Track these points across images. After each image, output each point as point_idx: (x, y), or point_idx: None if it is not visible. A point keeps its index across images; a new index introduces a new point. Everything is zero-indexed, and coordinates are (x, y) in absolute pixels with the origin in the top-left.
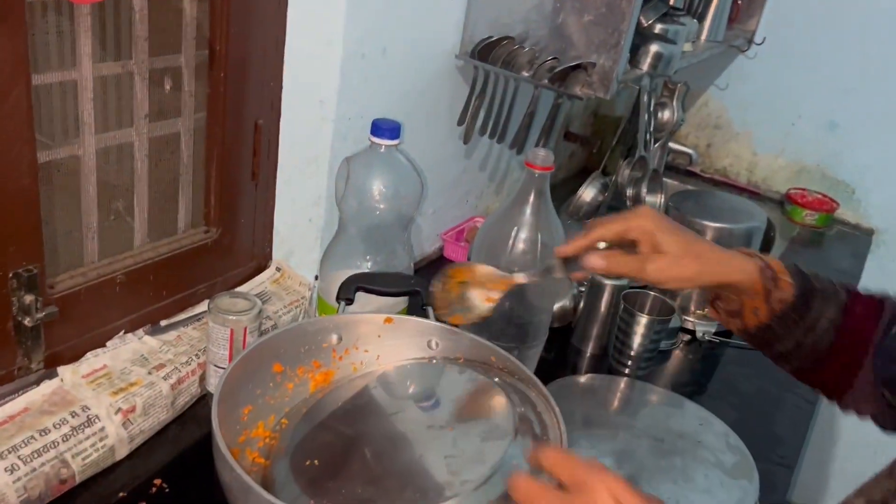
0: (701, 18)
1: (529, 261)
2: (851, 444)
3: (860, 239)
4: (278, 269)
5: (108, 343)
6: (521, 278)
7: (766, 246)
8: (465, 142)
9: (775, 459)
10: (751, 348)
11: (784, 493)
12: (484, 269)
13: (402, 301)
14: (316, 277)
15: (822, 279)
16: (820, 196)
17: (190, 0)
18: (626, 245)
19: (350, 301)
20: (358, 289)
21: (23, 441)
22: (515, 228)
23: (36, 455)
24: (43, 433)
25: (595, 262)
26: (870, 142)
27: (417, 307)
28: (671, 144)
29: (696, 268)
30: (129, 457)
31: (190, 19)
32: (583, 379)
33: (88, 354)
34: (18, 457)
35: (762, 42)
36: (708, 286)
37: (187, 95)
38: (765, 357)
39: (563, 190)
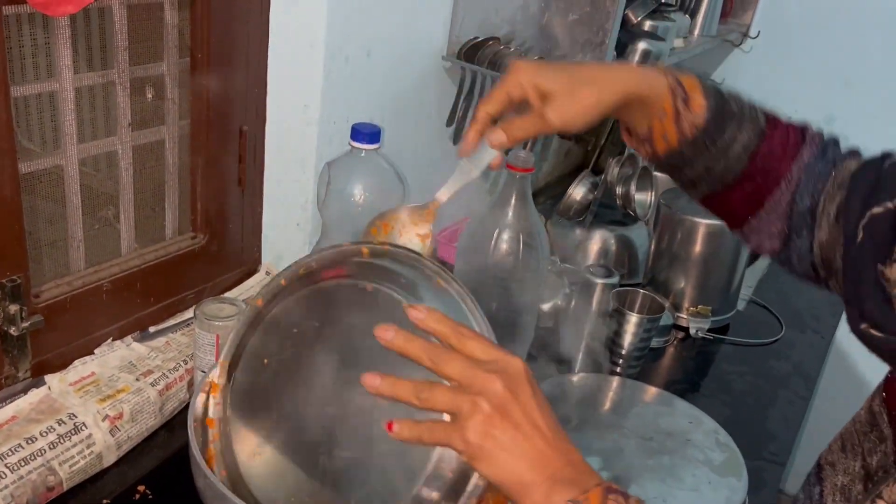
0: (693, 13)
1: (512, 261)
2: None
3: None
4: (267, 273)
5: (96, 350)
6: (442, 195)
7: None
8: (455, 142)
9: (766, 456)
10: (745, 344)
11: (774, 490)
12: (403, 212)
13: None
14: None
15: (742, 101)
16: None
17: (171, 8)
18: (519, 109)
19: None
20: None
21: (10, 449)
22: (497, 230)
23: (23, 463)
24: (30, 441)
25: (495, 138)
26: (867, 134)
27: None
28: None
29: (594, 93)
30: (117, 463)
31: (171, 28)
32: (574, 378)
33: (76, 362)
34: (6, 465)
35: (757, 36)
36: (615, 107)
37: (170, 103)
38: (757, 354)
39: (557, 188)
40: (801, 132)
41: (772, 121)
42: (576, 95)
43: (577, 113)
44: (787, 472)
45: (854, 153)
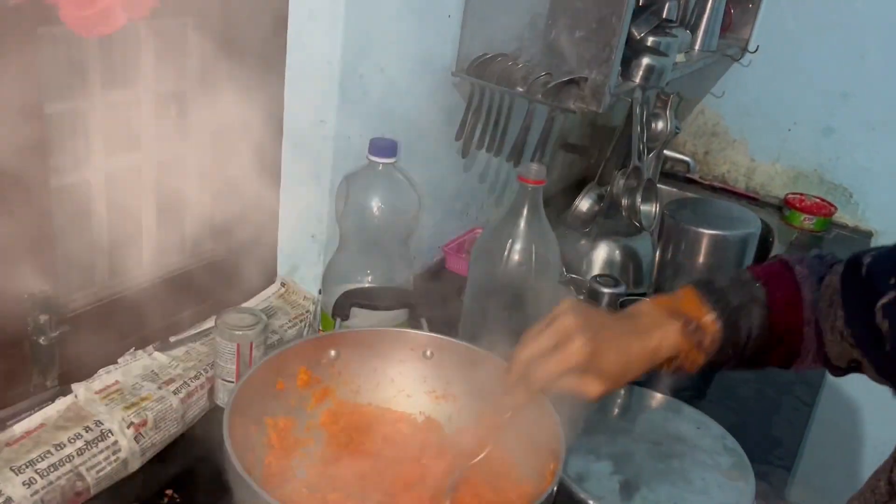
0: (694, 29)
1: (525, 271)
2: (851, 442)
3: (859, 241)
4: (283, 285)
5: (119, 360)
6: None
7: (765, 250)
8: (464, 156)
9: (773, 461)
10: None
11: (781, 494)
12: None
13: (402, 314)
14: (319, 292)
15: (735, 285)
16: (818, 200)
17: (192, 28)
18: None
19: (346, 317)
20: (353, 304)
21: (39, 456)
22: (510, 241)
23: (52, 469)
24: (58, 448)
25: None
26: (866, 145)
27: (415, 320)
28: (669, 153)
29: (627, 376)
30: (141, 469)
31: (191, 41)
32: None
33: (101, 371)
34: (35, 471)
35: (756, 50)
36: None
37: (192, 119)
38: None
39: (562, 200)
40: (788, 270)
41: (765, 282)
42: (619, 381)
43: (609, 391)
44: (791, 480)
45: (830, 265)
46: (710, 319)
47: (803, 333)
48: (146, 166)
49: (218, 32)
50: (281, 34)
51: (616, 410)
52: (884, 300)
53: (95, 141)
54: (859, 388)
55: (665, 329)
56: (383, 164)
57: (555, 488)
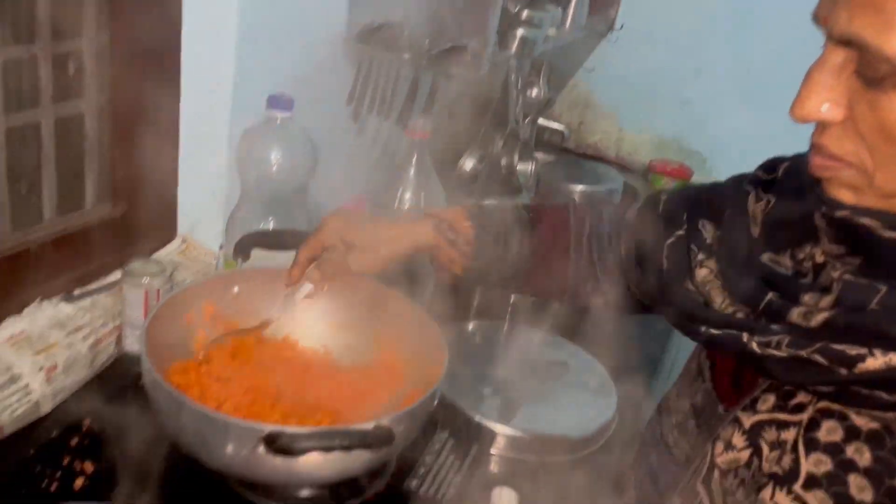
0: (565, 6)
1: None
2: None
3: None
4: (184, 241)
5: (25, 310)
6: (273, 316)
7: None
8: (355, 120)
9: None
10: None
11: (640, 406)
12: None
13: None
14: (221, 247)
15: (505, 209)
16: (677, 165)
17: None
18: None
19: (247, 257)
20: (254, 245)
21: None
22: (400, 189)
23: None
24: None
25: (313, 276)
26: (718, 116)
27: None
28: (545, 122)
29: (381, 255)
30: (55, 410)
31: (90, 5)
32: (469, 325)
33: (7, 321)
34: None
35: (621, 27)
36: (403, 260)
37: (90, 78)
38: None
39: (447, 167)
40: (564, 208)
41: (536, 210)
42: (371, 252)
43: (371, 265)
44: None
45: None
46: (465, 223)
47: (569, 260)
48: (45, 123)
49: None
50: None
51: (500, 344)
52: (671, 239)
53: None
54: None
55: (420, 223)
56: (281, 117)
57: (439, 389)
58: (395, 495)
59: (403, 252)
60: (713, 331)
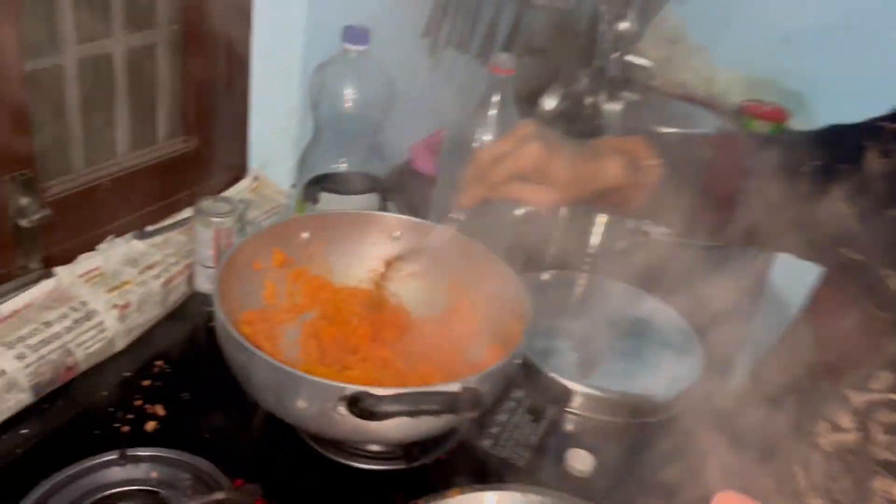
0: None
1: None
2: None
3: None
4: (256, 179)
5: (98, 246)
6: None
7: None
8: (431, 53)
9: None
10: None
11: (727, 372)
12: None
13: (373, 200)
14: (293, 185)
15: (685, 141)
16: (773, 107)
17: None
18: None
19: (315, 201)
20: (323, 189)
21: (29, 332)
22: (480, 130)
23: (42, 344)
24: (47, 325)
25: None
26: (819, 54)
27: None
28: (630, 58)
29: (568, 195)
30: (128, 348)
31: None
32: (544, 276)
33: (81, 257)
34: (27, 346)
35: None
36: (583, 203)
37: (162, 6)
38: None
39: (527, 106)
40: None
41: (714, 140)
42: (562, 189)
43: (551, 203)
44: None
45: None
46: (652, 162)
47: (733, 201)
48: (116, 53)
49: None
50: None
51: (577, 297)
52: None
53: (67, 24)
54: None
55: (613, 159)
56: (357, 51)
57: (523, 349)
58: (468, 454)
59: (589, 194)
60: (854, 255)
